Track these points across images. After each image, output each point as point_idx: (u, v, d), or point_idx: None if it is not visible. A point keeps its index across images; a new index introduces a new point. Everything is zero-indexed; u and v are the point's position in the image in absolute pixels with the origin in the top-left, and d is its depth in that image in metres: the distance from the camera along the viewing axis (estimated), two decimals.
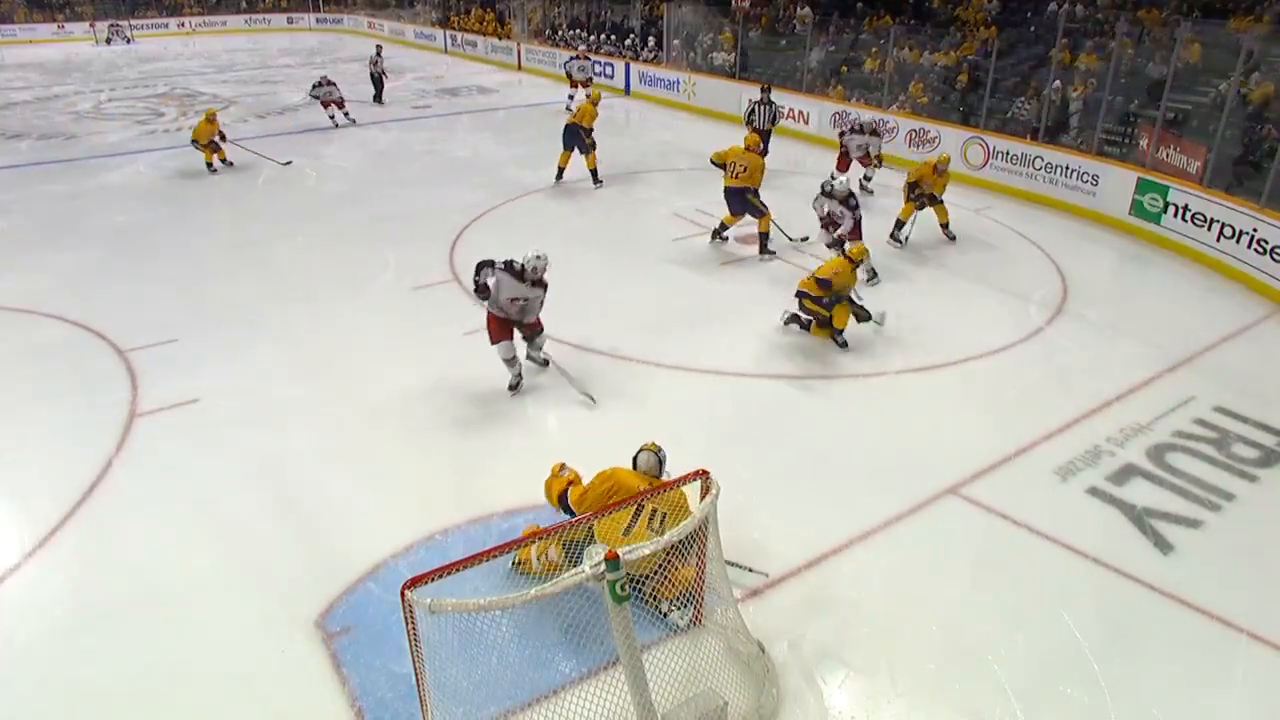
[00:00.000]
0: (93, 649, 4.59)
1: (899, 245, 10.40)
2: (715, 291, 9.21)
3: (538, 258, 6.58)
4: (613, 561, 3.38)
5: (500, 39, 26.33)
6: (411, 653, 3.73)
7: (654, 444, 5.04)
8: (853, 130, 12.50)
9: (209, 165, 13.73)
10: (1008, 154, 12.87)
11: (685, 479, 4.19)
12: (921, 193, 10.27)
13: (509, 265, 6.56)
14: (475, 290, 6.67)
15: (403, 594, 3.52)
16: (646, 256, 10.18)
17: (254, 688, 4.37)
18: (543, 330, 7.07)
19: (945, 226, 10.64)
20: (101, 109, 19.80)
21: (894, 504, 5.65)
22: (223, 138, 13.75)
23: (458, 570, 4.18)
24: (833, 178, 11.32)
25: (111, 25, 33.93)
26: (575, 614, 4.39)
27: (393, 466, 6.13)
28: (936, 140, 13.79)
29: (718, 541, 4.26)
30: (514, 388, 6.97)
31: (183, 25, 36.89)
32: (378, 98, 19.80)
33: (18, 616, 4.87)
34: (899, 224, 10.47)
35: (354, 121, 17.42)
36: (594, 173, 12.82)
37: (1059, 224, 11.56)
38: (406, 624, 3.62)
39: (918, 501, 5.69)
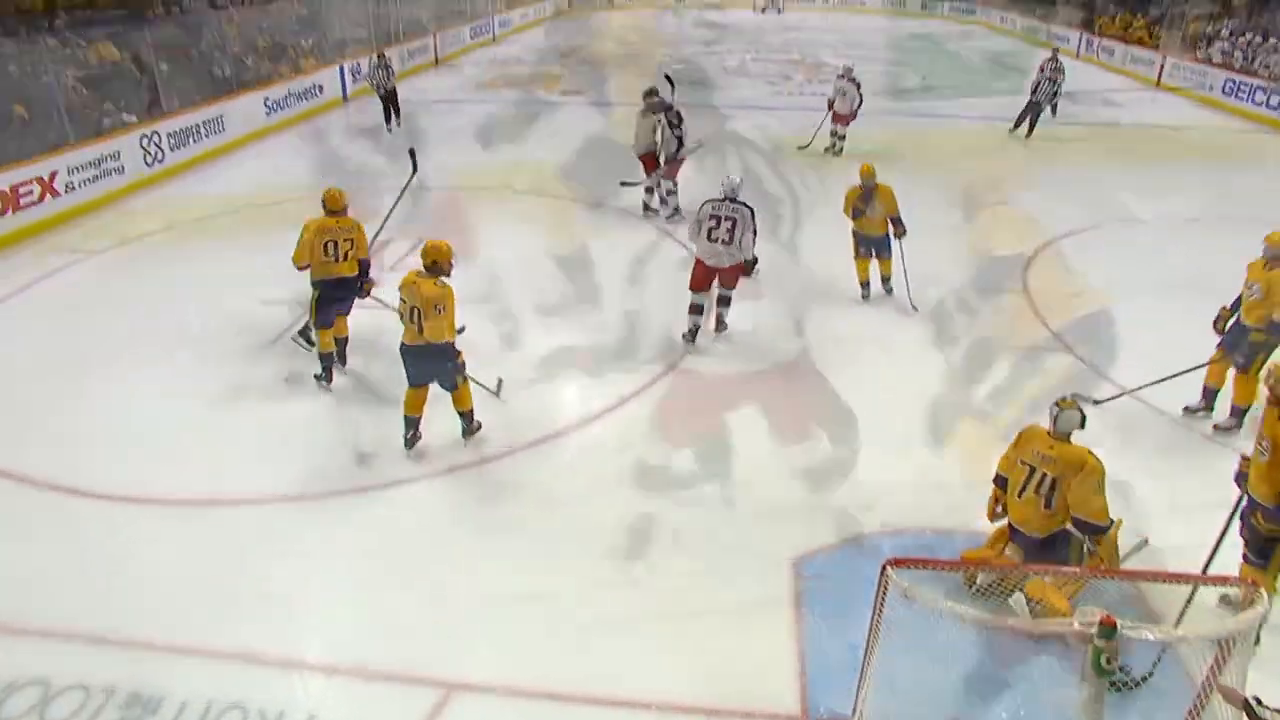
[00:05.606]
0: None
1: None
2: None
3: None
4: (1108, 629, 3.14)
5: (1144, 47, 23.51)
6: (870, 627, 3.87)
7: (1072, 400, 4.49)
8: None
9: None
10: None
11: (1216, 579, 3.64)
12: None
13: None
14: None
15: (884, 569, 3.65)
16: None
17: (728, 597, 4.95)
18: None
19: (885, 280, 8.59)
20: (745, 66, 22.85)
21: None
22: None
23: (942, 569, 4.22)
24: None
25: None
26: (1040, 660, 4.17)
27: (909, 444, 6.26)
28: None
29: (1243, 670, 3.34)
30: None
31: (826, 1, 41.56)
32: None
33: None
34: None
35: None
36: None
37: None
38: (876, 599, 3.76)
39: None
